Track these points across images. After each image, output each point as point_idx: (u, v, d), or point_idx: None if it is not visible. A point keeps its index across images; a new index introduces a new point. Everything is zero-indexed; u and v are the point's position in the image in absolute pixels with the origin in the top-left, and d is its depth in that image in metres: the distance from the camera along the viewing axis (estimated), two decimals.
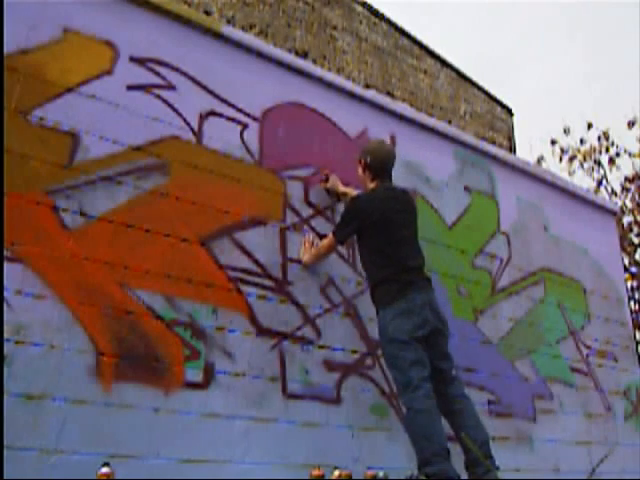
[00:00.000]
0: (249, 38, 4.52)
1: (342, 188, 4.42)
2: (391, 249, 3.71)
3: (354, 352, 4.21)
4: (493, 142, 12.81)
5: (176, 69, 4.02)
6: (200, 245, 3.76)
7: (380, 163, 3.97)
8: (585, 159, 16.99)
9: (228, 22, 9.19)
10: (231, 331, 3.71)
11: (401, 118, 5.25)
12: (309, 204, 4.38)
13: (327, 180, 4.44)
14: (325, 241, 4.02)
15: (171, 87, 3.97)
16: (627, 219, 16.08)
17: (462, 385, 3.69)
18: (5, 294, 3.02)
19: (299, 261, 4.16)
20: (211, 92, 4.14)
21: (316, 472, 3.60)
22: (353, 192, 4.33)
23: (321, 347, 4.07)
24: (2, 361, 2.91)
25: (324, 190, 4.47)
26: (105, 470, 2.93)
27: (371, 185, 3.99)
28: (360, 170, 4.07)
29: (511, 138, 13.97)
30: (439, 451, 3.26)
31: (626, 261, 15.02)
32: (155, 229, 3.62)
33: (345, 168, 4.65)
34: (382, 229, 3.73)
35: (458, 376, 3.70)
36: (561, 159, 17.09)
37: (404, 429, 3.47)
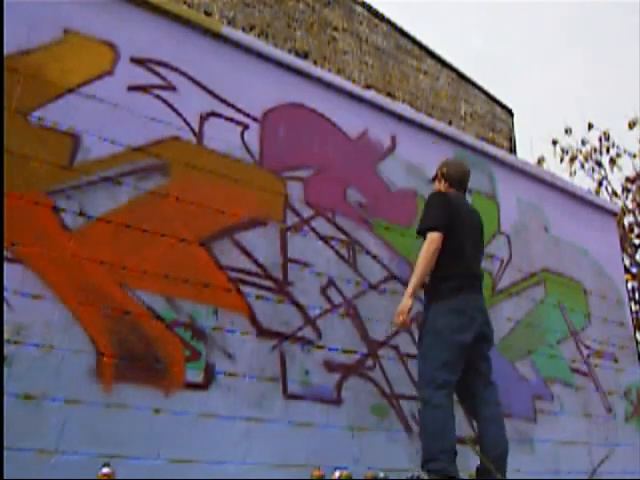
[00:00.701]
0: (249, 39, 4.52)
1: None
2: (460, 251, 3.66)
3: (354, 353, 4.21)
4: (493, 143, 12.81)
5: (176, 70, 4.03)
6: (200, 245, 3.76)
7: (456, 174, 3.94)
8: (586, 160, 16.98)
9: (228, 23, 9.19)
10: (231, 332, 3.72)
11: (401, 119, 5.25)
12: (309, 205, 4.38)
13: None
14: (427, 244, 3.58)
15: (171, 88, 3.97)
16: (628, 220, 16.07)
17: (497, 392, 3.65)
18: (5, 294, 3.02)
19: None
20: (211, 93, 4.14)
21: (316, 472, 3.60)
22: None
23: (321, 348, 4.07)
24: (2, 361, 2.91)
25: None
26: (106, 470, 2.94)
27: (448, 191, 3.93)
28: (437, 182, 4.02)
29: (511, 139, 13.96)
30: (447, 449, 3.26)
31: (627, 262, 15.01)
32: (155, 229, 3.62)
33: (345, 168, 4.65)
34: (458, 229, 3.68)
35: (495, 382, 3.65)
36: (562, 160, 17.08)
37: (418, 422, 3.46)
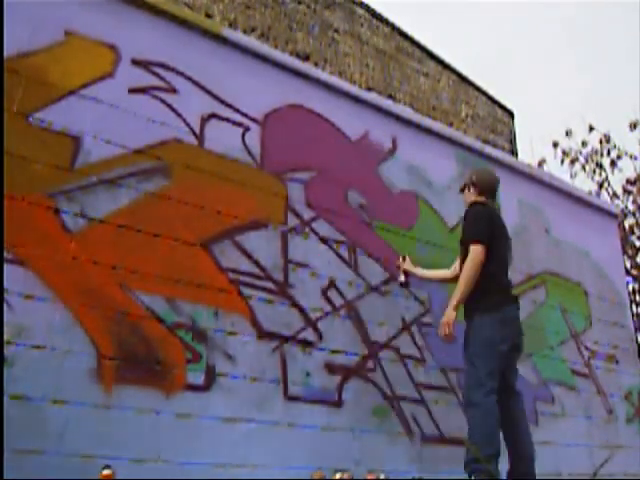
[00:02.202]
0: (250, 41, 4.53)
1: (418, 271, 4.41)
2: (502, 263, 3.83)
3: (355, 355, 4.21)
4: (494, 145, 12.80)
5: (177, 71, 4.03)
6: (201, 248, 3.76)
7: (488, 182, 4.02)
8: (587, 161, 16.97)
9: (229, 25, 9.20)
10: (232, 334, 3.71)
11: (402, 121, 5.25)
12: (310, 206, 4.38)
13: (404, 259, 4.42)
14: (471, 259, 3.67)
15: (172, 89, 3.97)
16: (628, 221, 16.05)
17: (523, 400, 3.77)
18: (6, 296, 3.02)
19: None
20: (212, 94, 4.14)
21: (317, 474, 3.60)
22: (425, 273, 4.43)
23: (322, 350, 4.07)
24: (2, 363, 2.91)
25: (400, 269, 4.41)
26: (106, 472, 2.93)
27: (479, 199, 3.98)
28: (467, 191, 4.07)
29: (512, 141, 13.96)
30: (494, 454, 3.37)
31: (628, 264, 15.00)
32: (157, 232, 3.62)
33: (346, 170, 4.65)
34: (498, 241, 3.80)
35: (520, 392, 3.77)
36: (562, 162, 17.07)
37: (469, 424, 3.50)
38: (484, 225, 3.76)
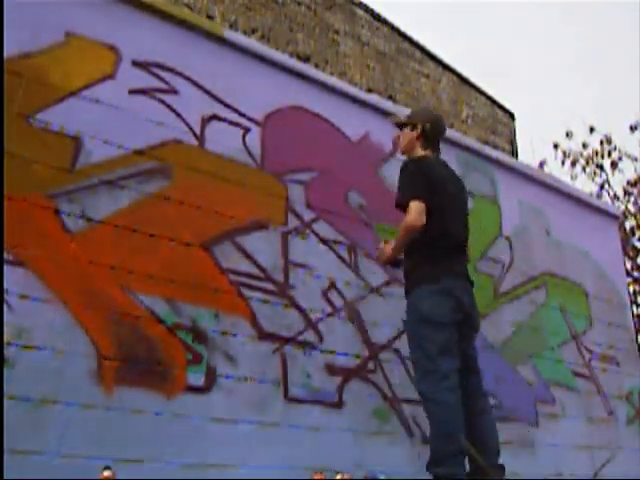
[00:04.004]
0: (251, 42, 4.53)
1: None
2: (444, 228, 3.25)
3: (356, 356, 4.21)
4: (495, 146, 12.80)
5: (178, 73, 4.03)
6: (202, 249, 3.76)
7: (437, 133, 3.58)
8: (587, 163, 16.98)
9: (230, 26, 9.20)
10: (233, 335, 3.71)
11: None
12: (311, 208, 4.38)
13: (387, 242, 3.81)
14: (410, 215, 3.12)
15: (173, 91, 3.97)
16: (629, 223, 16.06)
17: (482, 383, 3.36)
18: (7, 297, 3.02)
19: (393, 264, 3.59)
20: (213, 96, 4.14)
21: (318, 476, 3.59)
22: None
23: (323, 351, 4.06)
24: (2, 364, 2.91)
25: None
26: (106, 473, 2.93)
27: (422, 152, 3.50)
28: (410, 136, 3.55)
29: (513, 142, 13.96)
30: (456, 453, 2.95)
31: (628, 265, 15.00)
32: (157, 233, 3.62)
33: (346, 171, 4.65)
34: (440, 200, 3.24)
35: (481, 371, 3.38)
36: (563, 163, 17.08)
37: (428, 419, 3.07)
38: (416, 182, 3.23)
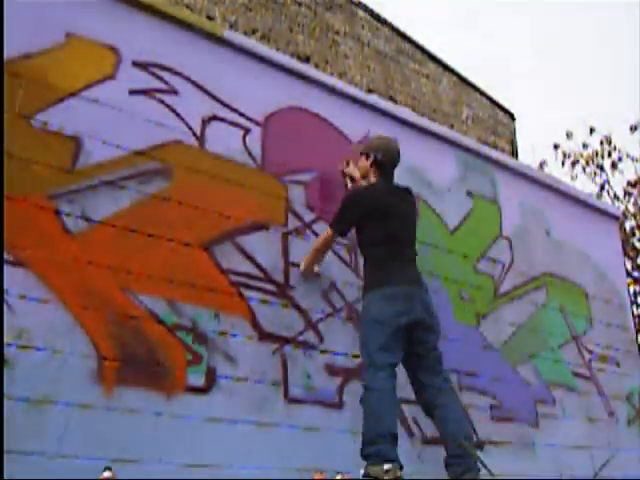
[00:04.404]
0: (251, 42, 4.53)
1: (358, 176, 4.29)
2: (389, 242, 3.72)
3: (356, 357, 4.21)
4: (495, 147, 12.81)
5: (178, 74, 4.03)
6: (202, 249, 3.76)
7: (390, 161, 3.96)
8: (587, 164, 16.98)
9: (230, 27, 9.21)
10: (233, 335, 3.71)
11: (403, 123, 5.25)
12: (311, 208, 4.38)
13: (348, 164, 4.48)
14: (322, 235, 4.01)
15: (173, 92, 3.98)
16: (630, 224, 16.06)
17: (449, 379, 3.70)
18: (7, 298, 3.02)
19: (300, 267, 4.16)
20: (213, 97, 4.14)
21: (318, 476, 3.59)
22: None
23: (323, 352, 4.06)
24: (2, 364, 2.91)
25: (341, 173, 4.55)
26: (107, 474, 2.93)
27: (373, 180, 3.98)
28: (364, 164, 4.03)
29: (513, 142, 13.97)
30: (384, 433, 3.24)
31: (629, 266, 14.99)
32: (157, 233, 3.62)
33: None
34: (382, 221, 3.75)
35: (445, 370, 3.71)
36: (563, 164, 17.08)
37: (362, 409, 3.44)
38: (347, 216, 3.86)
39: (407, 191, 4.03)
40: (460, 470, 3.32)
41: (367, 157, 4.00)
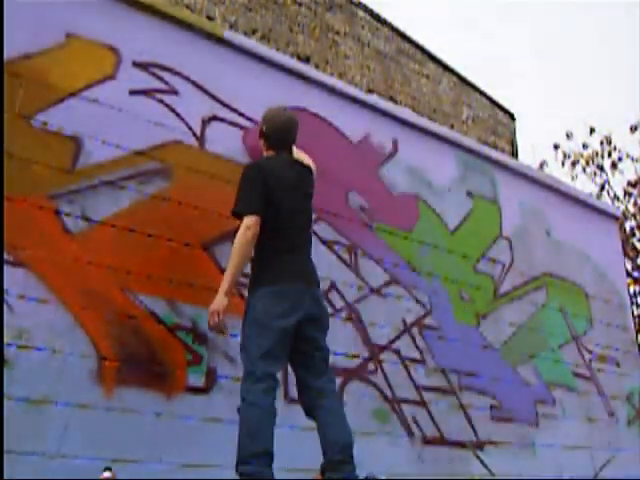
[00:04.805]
0: (251, 43, 4.53)
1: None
2: (281, 229, 3.28)
3: (356, 357, 4.21)
4: (495, 147, 12.82)
5: (178, 74, 4.03)
6: (202, 249, 3.76)
7: (277, 132, 3.51)
8: (587, 164, 17.00)
9: (230, 27, 9.21)
10: (233, 335, 3.71)
11: (403, 123, 5.25)
12: None
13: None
14: (242, 230, 3.20)
15: (173, 91, 3.97)
16: (629, 223, 16.08)
17: (334, 381, 3.34)
18: (7, 298, 3.03)
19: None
20: (213, 97, 4.14)
21: (318, 476, 3.59)
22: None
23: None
24: (2, 365, 2.91)
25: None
26: (107, 474, 2.93)
27: (265, 154, 3.58)
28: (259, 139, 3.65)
29: (513, 143, 13.97)
30: (259, 452, 2.93)
31: (629, 266, 15.00)
32: (157, 234, 3.62)
33: (347, 172, 4.65)
34: (270, 205, 3.26)
35: (331, 371, 3.35)
36: (563, 164, 17.09)
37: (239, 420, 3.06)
38: (254, 193, 3.25)
39: (302, 166, 3.58)
40: (339, 476, 3.05)
41: (259, 131, 3.62)
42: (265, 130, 3.52)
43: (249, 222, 3.17)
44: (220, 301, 3.11)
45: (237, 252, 3.14)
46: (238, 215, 3.26)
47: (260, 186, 3.26)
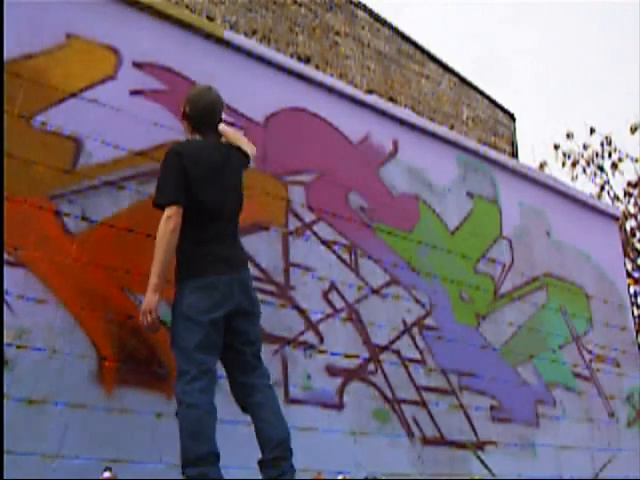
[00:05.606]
0: (251, 43, 4.53)
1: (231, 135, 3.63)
2: (206, 217, 3.16)
3: (356, 357, 4.21)
4: (495, 147, 12.82)
5: (178, 74, 4.03)
6: None
7: (201, 113, 3.35)
8: (588, 164, 17.00)
9: (231, 27, 9.22)
10: None
11: (403, 123, 5.25)
12: (311, 209, 4.38)
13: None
14: (163, 222, 3.04)
15: (173, 92, 3.97)
16: (630, 224, 16.08)
17: (266, 376, 3.25)
18: (7, 298, 3.02)
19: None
20: None
21: (318, 477, 3.59)
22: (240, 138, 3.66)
23: (323, 352, 4.06)
24: (2, 365, 2.91)
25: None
26: (107, 475, 2.93)
27: (189, 137, 3.45)
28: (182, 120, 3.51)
29: (513, 143, 13.97)
30: (204, 454, 2.85)
31: (629, 266, 15.00)
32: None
33: (347, 173, 4.65)
34: (195, 190, 3.12)
35: (263, 365, 3.26)
36: (564, 164, 17.10)
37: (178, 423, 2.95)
38: (174, 181, 3.09)
39: (230, 148, 3.44)
40: (275, 473, 3.00)
41: (182, 111, 3.46)
42: (188, 111, 3.35)
43: (170, 213, 3.02)
44: (150, 300, 2.99)
45: (160, 245, 3.00)
46: (159, 206, 3.10)
47: (179, 174, 3.10)
